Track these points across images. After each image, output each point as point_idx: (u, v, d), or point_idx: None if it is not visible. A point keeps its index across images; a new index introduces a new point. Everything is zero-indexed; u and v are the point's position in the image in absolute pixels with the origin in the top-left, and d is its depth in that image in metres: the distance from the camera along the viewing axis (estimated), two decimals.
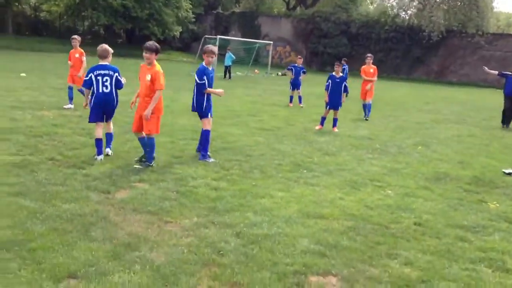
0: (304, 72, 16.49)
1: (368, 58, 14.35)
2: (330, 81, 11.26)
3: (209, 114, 7.61)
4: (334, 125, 11.29)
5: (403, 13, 40.76)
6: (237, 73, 29.06)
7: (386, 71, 39.88)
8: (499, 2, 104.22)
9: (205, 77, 7.42)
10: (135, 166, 6.68)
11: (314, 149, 9.00)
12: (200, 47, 31.95)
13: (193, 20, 43.54)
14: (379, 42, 40.14)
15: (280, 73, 33.80)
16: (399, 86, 30.53)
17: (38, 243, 4.06)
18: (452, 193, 6.72)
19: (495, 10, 41.54)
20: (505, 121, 14.36)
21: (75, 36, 11.91)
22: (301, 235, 4.72)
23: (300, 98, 15.76)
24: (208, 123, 7.56)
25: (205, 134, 7.52)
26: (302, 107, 15.34)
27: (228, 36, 39.25)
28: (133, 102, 7.19)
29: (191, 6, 42.68)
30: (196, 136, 9.16)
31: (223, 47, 27.80)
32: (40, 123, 9.17)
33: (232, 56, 26.20)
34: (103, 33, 44.99)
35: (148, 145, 6.76)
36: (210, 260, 4.02)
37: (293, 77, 16.24)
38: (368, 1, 49.63)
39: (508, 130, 13.85)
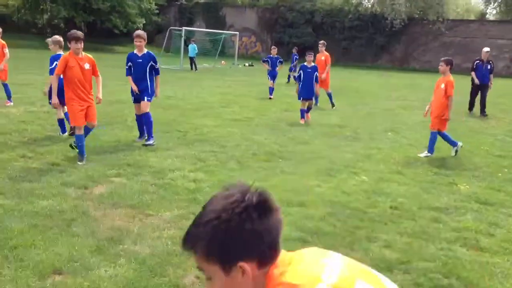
0: (281, 62, 16.15)
1: (320, 45, 13.88)
2: (301, 71, 11.12)
3: (145, 97, 7.73)
4: (307, 111, 11.11)
5: (366, 1, 41.33)
6: (204, 64, 28.87)
7: (352, 59, 40.42)
8: None
9: (129, 63, 7.61)
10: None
11: (288, 138, 9.08)
12: (165, 39, 31.63)
13: (156, 11, 42.93)
14: (343, 31, 40.55)
15: (247, 64, 33.82)
16: (364, 74, 31.00)
17: (18, 240, 3.99)
18: (424, 176, 6.93)
19: None
20: (471, 108, 14.21)
21: None
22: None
23: (271, 89, 15.37)
24: (145, 106, 7.75)
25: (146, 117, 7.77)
26: (271, 98, 14.98)
27: (193, 27, 38.88)
28: None
29: None
30: (169, 128, 9.13)
31: (189, 39, 27.59)
32: (6, 121, 8.92)
33: (195, 47, 26.03)
34: (63, 26, 43.80)
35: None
36: None
37: (270, 68, 15.86)
38: None
39: (480, 116, 13.68)
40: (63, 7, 36.20)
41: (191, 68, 25.37)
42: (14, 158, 6.44)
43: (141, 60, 7.75)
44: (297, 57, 20.97)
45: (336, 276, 1.20)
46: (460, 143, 8.29)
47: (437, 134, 8.23)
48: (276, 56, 16.26)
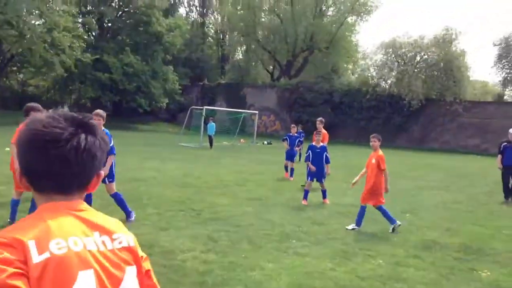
0: (300, 142, 15.71)
1: (317, 122, 12.93)
2: (310, 151, 10.97)
3: (106, 179, 7.66)
4: (324, 197, 10.89)
5: (383, 82, 42.24)
6: (224, 142, 29.37)
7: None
8: (475, 71, 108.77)
9: None
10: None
11: (303, 218, 8.97)
12: (187, 118, 32.55)
13: (180, 91, 44.56)
14: (361, 111, 41.21)
15: (265, 142, 34.28)
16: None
17: None
18: (443, 261, 6.68)
19: (471, 79, 43.25)
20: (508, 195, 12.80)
21: None
22: None
23: (292, 170, 14.83)
24: (110, 188, 7.85)
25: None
26: (291, 178, 14.52)
27: (214, 106, 40.05)
28: None
29: (177, 78, 43.86)
30: (183, 206, 9.14)
31: (209, 118, 28.35)
32: None
33: (214, 125, 26.61)
34: (90, 105, 45.67)
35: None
36: None
37: (288, 147, 15.15)
38: (350, 72, 51.48)
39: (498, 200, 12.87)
40: (91, 87, 37.87)
41: (210, 147, 25.81)
42: None
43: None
44: (304, 135, 20.58)
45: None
46: (398, 222, 8.27)
47: (377, 208, 8.36)
48: (295, 135, 15.68)
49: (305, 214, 9.33)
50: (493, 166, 14.64)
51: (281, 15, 47.43)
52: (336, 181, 14.45)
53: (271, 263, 6.05)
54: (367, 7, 45.78)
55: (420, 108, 39.02)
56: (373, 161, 8.54)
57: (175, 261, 5.83)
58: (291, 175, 14.74)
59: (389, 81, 41.86)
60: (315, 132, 11.23)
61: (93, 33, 41.63)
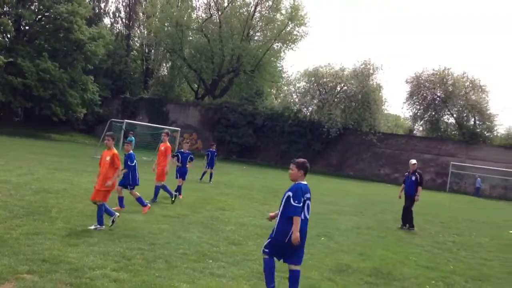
0: (191, 159, 14.81)
1: (163, 134, 13.18)
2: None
3: None
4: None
5: (305, 109, 43.53)
6: (143, 158, 28.53)
7: (289, 162, 41.40)
8: (389, 105, 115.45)
9: None
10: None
11: (220, 238, 8.83)
12: (105, 130, 31.35)
13: (99, 102, 43.02)
14: (282, 135, 42.10)
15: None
16: None
17: None
18: (355, 285, 6.83)
19: (385, 112, 45.85)
20: (405, 220, 13.34)
21: None
22: None
23: (179, 188, 13.92)
24: None
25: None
26: (179, 198, 13.39)
27: (135, 120, 38.98)
28: None
29: (98, 89, 42.35)
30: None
31: (129, 132, 27.57)
32: None
33: (133, 139, 25.85)
34: None
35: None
36: None
37: (179, 165, 14.31)
38: (273, 96, 52.55)
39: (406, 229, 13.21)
40: (1, 91, 35.46)
41: None
42: None
43: None
44: (216, 154, 20.68)
45: None
46: (117, 214, 8.61)
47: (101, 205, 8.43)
48: (187, 152, 14.73)
49: (222, 234, 9.19)
50: (401, 195, 15.41)
51: (209, 35, 47.62)
52: (255, 202, 14.50)
53: (186, 283, 5.84)
54: (293, 36, 47.20)
55: (339, 136, 40.61)
56: (107, 158, 8.55)
57: (83, 279, 5.44)
58: (180, 192, 13.79)
59: (310, 108, 43.28)
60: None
61: (8, 35, 39.24)
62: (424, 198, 27.70)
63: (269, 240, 5.70)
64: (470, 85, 42.50)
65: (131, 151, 10.85)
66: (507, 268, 9.30)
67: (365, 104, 41.37)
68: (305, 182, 5.83)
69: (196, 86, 52.75)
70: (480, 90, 42.29)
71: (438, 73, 42.89)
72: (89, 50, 39.73)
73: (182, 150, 14.80)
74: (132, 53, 55.54)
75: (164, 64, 55.48)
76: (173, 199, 12.54)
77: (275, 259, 5.76)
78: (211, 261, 7.07)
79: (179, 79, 53.12)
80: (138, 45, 56.71)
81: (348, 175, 40.11)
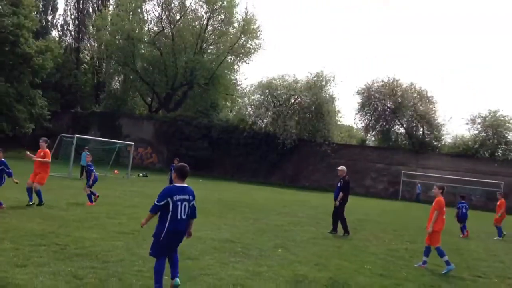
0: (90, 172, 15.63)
1: (41, 141, 13.79)
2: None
3: None
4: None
5: (260, 121, 43.76)
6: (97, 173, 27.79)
7: (245, 174, 41.68)
8: (342, 116, 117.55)
9: None
10: None
11: None
12: (55, 146, 30.35)
13: (49, 117, 41.68)
14: (238, 147, 42.09)
15: (141, 174, 33.25)
16: (258, 189, 31.80)
17: None
18: None
19: (338, 123, 46.75)
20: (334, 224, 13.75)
21: None
22: None
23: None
24: None
25: None
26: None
27: (87, 135, 37.95)
28: None
29: (46, 103, 41.06)
30: (45, 241, 8.34)
31: (81, 147, 26.82)
32: None
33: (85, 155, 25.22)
34: None
35: None
36: None
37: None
38: (228, 109, 52.53)
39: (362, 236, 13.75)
40: None
41: (81, 175, 24.32)
42: None
43: None
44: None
45: None
46: None
47: None
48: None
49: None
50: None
51: (162, 48, 47.22)
52: (211, 216, 14.40)
53: None
54: (246, 49, 47.50)
55: (294, 147, 41.02)
56: None
57: None
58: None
59: (265, 120, 43.51)
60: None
61: None
62: (378, 206, 28.41)
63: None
64: (418, 96, 44.10)
65: None
66: (457, 273, 9.64)
67: (318, 116, 42.05)
68: (183, 185, 6.35)
69: (149, 99, 52.01)
70: (427, 100, 43.95)
71: (388, 85, 44.18)
72: (37, 64, 38.49)
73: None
74: (82, 66, 54.18)
75: (116, 77, 54.29)
76: (30, 203, 12.66)
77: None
78: (166, 277, 6.93)
79: (132, 93, 52.21)
80: (88, 58, 55.38)
81: (304, 186, 40.51)
